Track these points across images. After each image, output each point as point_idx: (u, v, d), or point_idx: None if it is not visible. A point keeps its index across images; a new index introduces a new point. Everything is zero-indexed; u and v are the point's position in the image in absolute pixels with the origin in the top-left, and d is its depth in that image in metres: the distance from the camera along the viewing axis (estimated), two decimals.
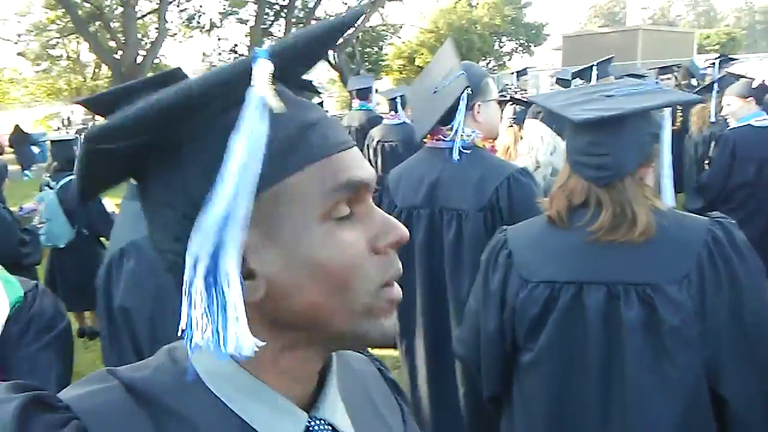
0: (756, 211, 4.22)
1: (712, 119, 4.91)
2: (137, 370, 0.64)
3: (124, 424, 0.59)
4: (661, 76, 6.21)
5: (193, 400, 0.61)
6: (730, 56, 7.12)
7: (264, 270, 0.59)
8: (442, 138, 2.15)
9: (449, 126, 2.11)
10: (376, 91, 6.55)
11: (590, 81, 4.61)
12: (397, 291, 0.64)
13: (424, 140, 2.21)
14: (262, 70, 0.54)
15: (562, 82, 5.76)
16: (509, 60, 36.13)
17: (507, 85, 6.81)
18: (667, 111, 1.58)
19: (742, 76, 4.35)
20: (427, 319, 2.07)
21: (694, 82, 7.93)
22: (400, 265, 0.65)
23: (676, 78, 6.30)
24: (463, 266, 2.01)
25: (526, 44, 36.24)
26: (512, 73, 7.78)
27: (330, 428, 0.66)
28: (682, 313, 1.42)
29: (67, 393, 0.61)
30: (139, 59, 21.47)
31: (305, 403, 0.66)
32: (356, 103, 6.33)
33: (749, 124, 4.22)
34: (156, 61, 23.24)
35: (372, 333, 0.63)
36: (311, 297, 0.60)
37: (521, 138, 3.07)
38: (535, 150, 2.81)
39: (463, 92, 2.09)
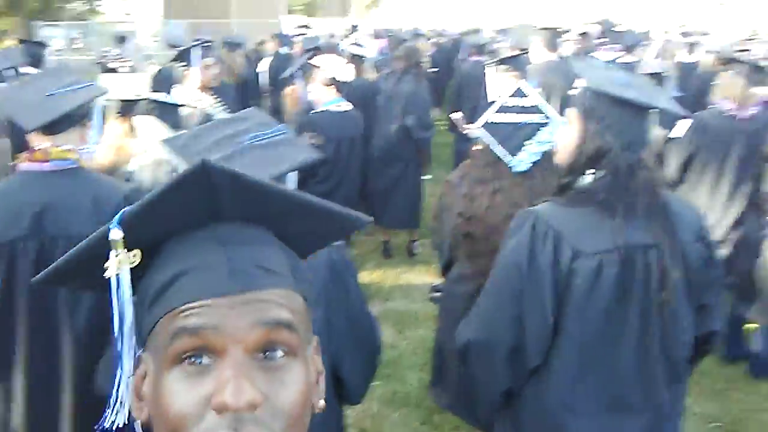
0: (338, 184, 5.00)
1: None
2: None
3: None
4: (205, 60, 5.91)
5: None
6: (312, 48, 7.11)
7: (147, 396, 0.68)
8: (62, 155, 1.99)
9: (54, 143, 1.97)
10: None
11: (191, 64, 4.62)
12: None
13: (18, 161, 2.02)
14: (115, 238, 0.65)
15: (169, 46, 5.54)
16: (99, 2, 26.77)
17: (105, 52, 6.06)
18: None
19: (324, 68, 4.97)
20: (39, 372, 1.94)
21: (284, 50, 8.43)
22: None
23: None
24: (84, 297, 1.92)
25: None
26: (117, 38, 6.84)
27: None
28: (317, 325, 1.70)
29: None
30: None
31: None
32: None
33: (328, 110, 4.91)
34: None
35: None
36: None
37: (131, 134, 2.95)
38: (155, 148, 2.77)
39: (93, 103, 1.96)
